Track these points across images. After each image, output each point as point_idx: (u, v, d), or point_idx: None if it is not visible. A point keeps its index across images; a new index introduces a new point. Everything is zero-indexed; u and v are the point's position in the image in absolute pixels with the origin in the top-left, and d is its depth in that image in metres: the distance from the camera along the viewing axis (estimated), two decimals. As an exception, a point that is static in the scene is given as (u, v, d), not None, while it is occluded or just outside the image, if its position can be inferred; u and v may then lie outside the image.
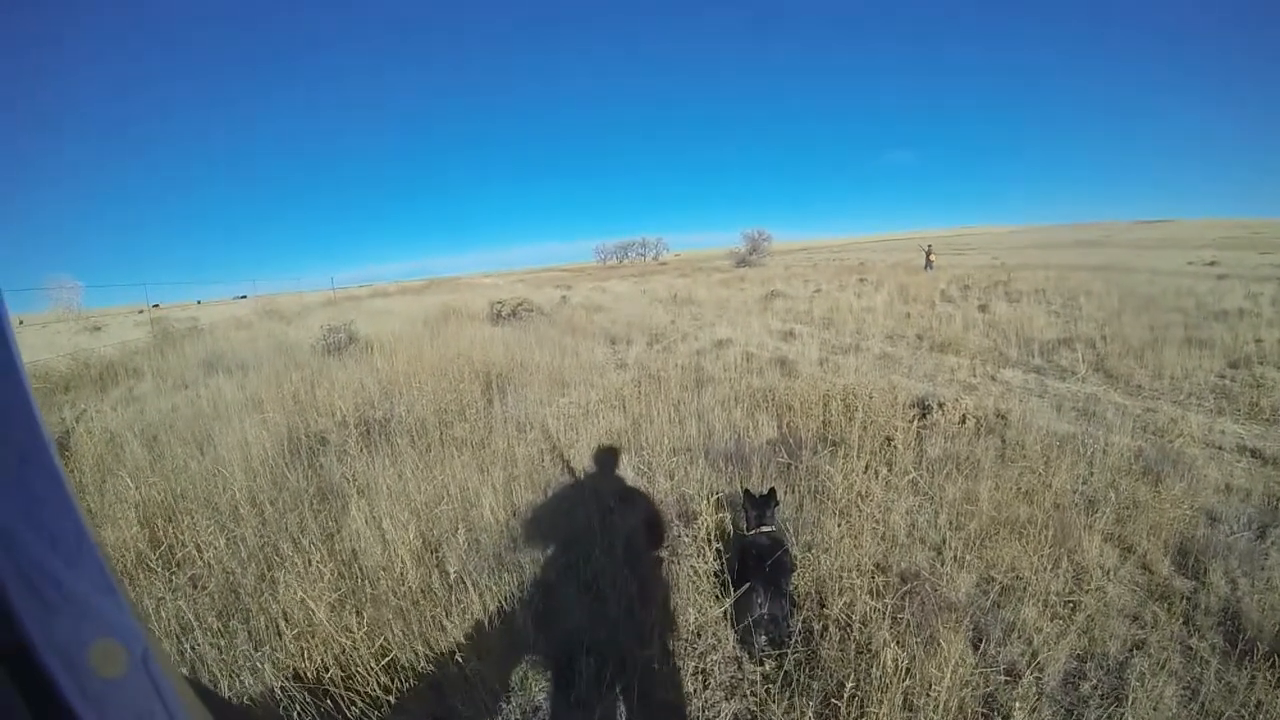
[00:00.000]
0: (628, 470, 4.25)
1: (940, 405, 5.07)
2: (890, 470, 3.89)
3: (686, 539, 3.17)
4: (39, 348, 12.63)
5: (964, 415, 4.96)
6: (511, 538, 3.33)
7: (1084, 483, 3.96)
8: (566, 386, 6.41)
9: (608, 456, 4.38)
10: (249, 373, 7.74)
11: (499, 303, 13.82)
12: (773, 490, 2.90)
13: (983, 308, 12.32)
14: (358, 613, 2.59)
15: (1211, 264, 20.68)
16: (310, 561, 2.84)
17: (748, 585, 2.48)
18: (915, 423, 4.55)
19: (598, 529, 3.33)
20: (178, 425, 5.38)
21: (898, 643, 2.39)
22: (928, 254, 26.33)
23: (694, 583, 2.90)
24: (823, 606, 2.73)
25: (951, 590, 2.83)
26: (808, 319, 12.43)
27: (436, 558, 3.12)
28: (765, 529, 2.74)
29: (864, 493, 3.54)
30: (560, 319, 12.75)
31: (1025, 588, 2.86)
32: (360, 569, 3.01)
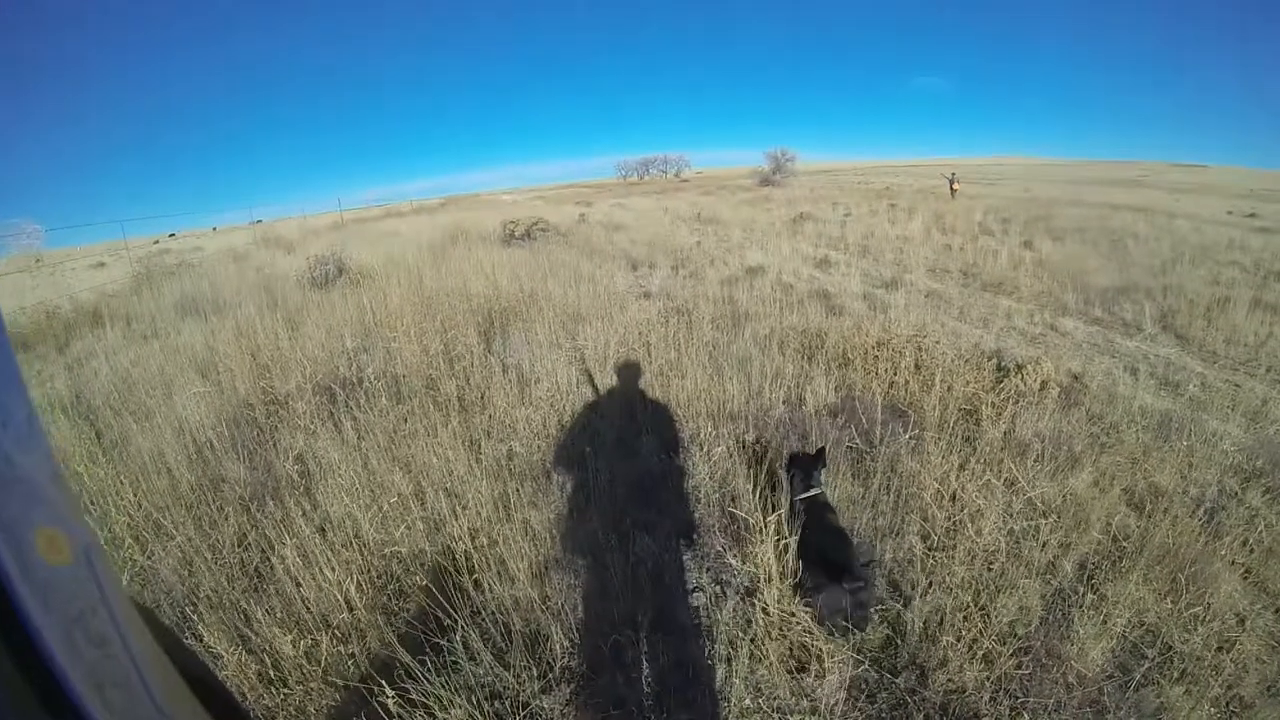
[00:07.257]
0: (654, 445, 3.43)
1: (1019, 367, 4.28)
2: (985, 463, 3.03)
3: (735, 565, 2.38)
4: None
5: (1044, 381, 4.19)
6: (494, 568, 2.37)
7: (1185, 479, 3.24)
8: (581, 322, 5.50)
9: (628, 425, 3.60)
10: (226, 316, 6.72)
11: (512, 223, 12.87)
12: (821, 450, 2.65)
13: (1027, 244, 11.41)
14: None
15: (1252, 215, 19.43)
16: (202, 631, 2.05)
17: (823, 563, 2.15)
18: (1004, 395, 3.74)
19: (615, 566, 2.45)
20: (127, 391, 4.48)
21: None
22: (951, 182, 25.35)
23: (751, 650, 2.11)
24: (923, 682, 2.01)
25: (1074, 653, 2.13)
26: (842, 245, 11.56)
27: (377, 620, 2.21)
28: (812, 491, 2.48)
29: (954, 496, 2.77)
30: (578, 239, 11.84)
31: (1165, 654, 2.18)
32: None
